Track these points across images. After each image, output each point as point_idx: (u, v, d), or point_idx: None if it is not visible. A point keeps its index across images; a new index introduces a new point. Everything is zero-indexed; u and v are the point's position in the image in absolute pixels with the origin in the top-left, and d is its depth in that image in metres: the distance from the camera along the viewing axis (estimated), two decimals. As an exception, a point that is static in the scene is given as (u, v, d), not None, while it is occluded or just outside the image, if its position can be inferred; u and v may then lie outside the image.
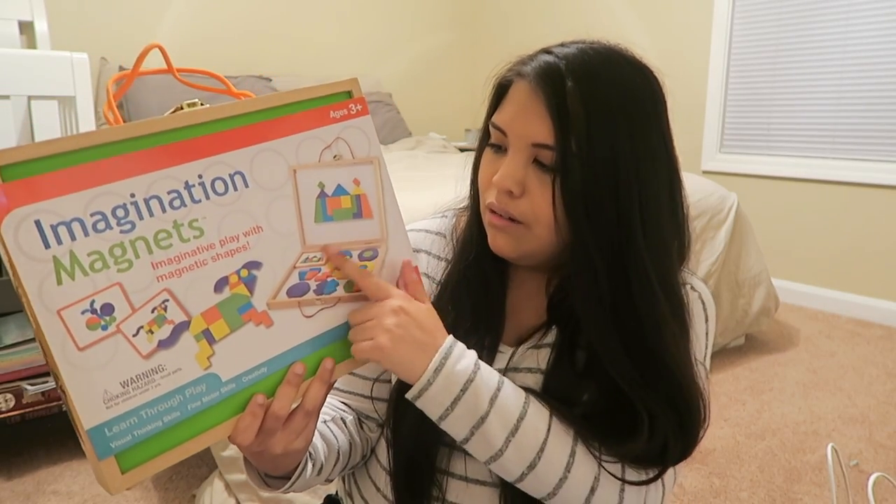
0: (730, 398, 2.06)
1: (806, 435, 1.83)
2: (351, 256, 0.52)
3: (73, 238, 0.40)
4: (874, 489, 1.46)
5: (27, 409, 1.56)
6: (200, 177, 0.44)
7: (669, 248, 0.62)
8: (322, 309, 0.51)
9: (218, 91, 0.48)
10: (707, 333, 0.70)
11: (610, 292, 0.60)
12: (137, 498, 1.52)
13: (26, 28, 2.57)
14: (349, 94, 0.53)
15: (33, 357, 1.58)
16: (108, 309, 0.41)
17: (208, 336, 0.45)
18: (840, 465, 1.56)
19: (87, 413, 0.40)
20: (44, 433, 1.81)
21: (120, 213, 0.41)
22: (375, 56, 3.95)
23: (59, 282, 0.39)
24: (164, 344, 0.43)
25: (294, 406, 0.51)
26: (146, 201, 0.42)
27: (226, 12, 3.37)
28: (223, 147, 0.45)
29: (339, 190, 0.51)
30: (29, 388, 1.55)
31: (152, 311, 0.43)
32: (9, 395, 1.54)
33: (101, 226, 0.41)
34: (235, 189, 0.46)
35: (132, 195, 0.42)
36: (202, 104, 0.47)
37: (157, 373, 0.43)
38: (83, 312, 0.40)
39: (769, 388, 2.12)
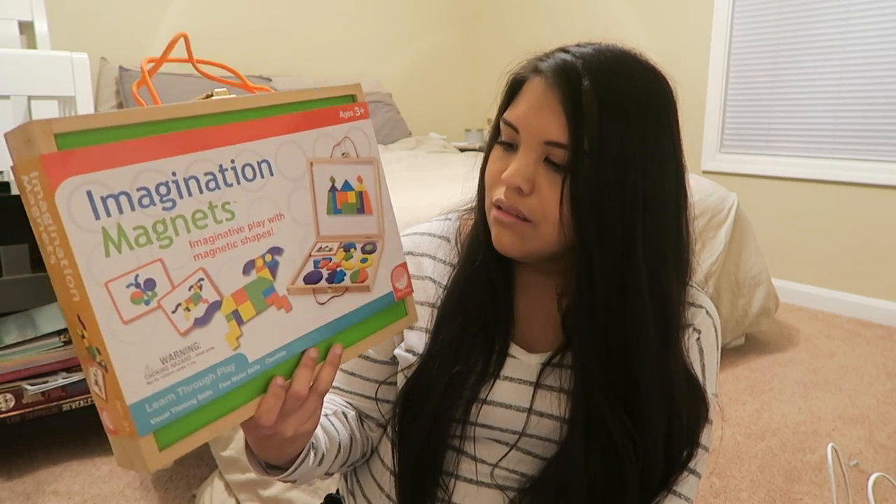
0: (730, 398, 2.06)
1: (806, 435, 1.83)
2: (356, 248, 0.55)
3: (120, 211, 0.41)
4: (874, 489, 1.46)
5: (27, 409, 1.56)
6: (233, 161, 0.46)
7: (667, 260, 0.61)
8: (333, 297, 0.53)
9: (233, 84, 0.49)
10: (717, 348, 0.72)
11: (604, 299, 0.60)
12: (138, 498, 1.52)
13: (26, 28, 2.57)
14: (353, 97, 0.56)
15: (33, 357, 1.58)
16: (150, 284, 0.42)
17: (237, 317, 0.47)
18: (840, 465, 1.56)
19: (130, 388, 0.41)
20: (44, 433, 1.81)
21: (163, 190, 0.43)
22: (375, 56, 3.95)
23: (108, 254, 0.40)
24: (199, 322, 0.44)
25: None
26: (185, 181, 0.44)
27: (226, 12, 3.37)
28: (252, 135, 0.48)
29: (347, 185, 0.54)
30: (29, 388, 1.55)
31: (189, 289, 0.44)
32: (9, 395, 1.54)
33: (145, 201, 0.42)
34: (262, 176, 0.48)
35: (174, 174, 0.43)
36: (229, 93, 0.49)
37: (192, 350, 0.44)
38: (128, 286, 0.41)
39: (769, 388, 2.12)
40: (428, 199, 1.80)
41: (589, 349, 0.62)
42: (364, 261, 0.55)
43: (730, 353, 2.38)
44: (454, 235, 0.74)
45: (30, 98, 1.45)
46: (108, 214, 0.40)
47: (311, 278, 0.51)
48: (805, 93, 2.89)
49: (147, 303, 0.41)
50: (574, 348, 0.64)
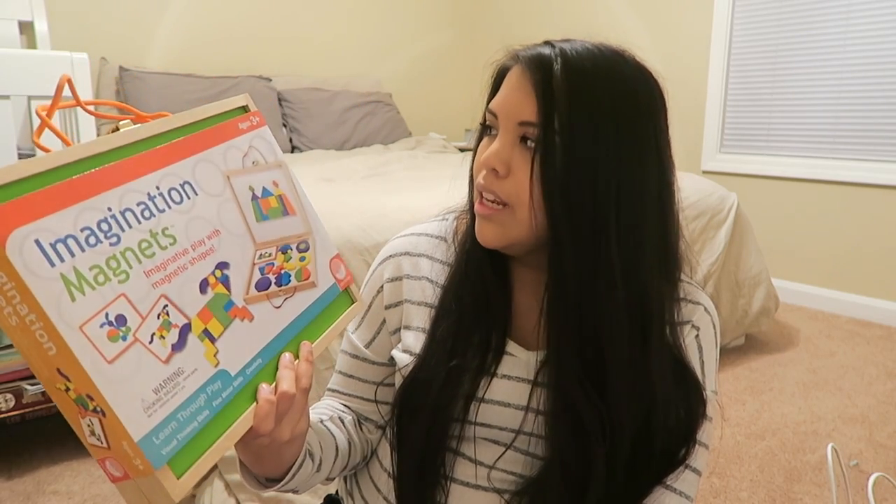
0: (730, 398, 2.06)
1: (806, 435, 1.84)
2: (292, 249, 0.57)
3: (72, 254, 0.40)
4: (874, 489, 1.46)
5: (27, 409, 1.56)
6: (158, 188, 0.47)
7: (647, 255, 0.61)
8: (286, 299, 0.55)
9: (125, 118, 0.50)
10: (716, 345, 0.71)
11: (576, 288, 0.60)
12: (137, 498, 1.52)
13: (26, 28, 2.57)
14: (245, 108, 0.58)
15: (33, 357, 1.58)
16: (121, 320, 0.42)
17: (209, 335, 0.48)
18: (840, 465, 1.56)
19: (134, 424, 0.41)
20: (44, 433, 1.81)
21: (104, 226, 0.43)
22: (375, 56, 3.95)
23: (73, 298, 0.40)
24: (176, 347, 0.45)
25: None
26: (122, 213, 0.44)
27: (226, 12, 3.37)
28: (167, 160, 0.49)
29: (266, 192, 0.56)
30: (29, 388, 1.55)
31: (158, 317, 0.44)
32: (9, 395, 1.54)
33: (92, 240, 0.42)
34: (188, 197, 0.49)
35: (109, 209, 0.43)
36: (132, 124, 0.50)
37: (179, 375, 0.45)
38: (101, 326, 0.41)
39: (769, 388, 2.12)
40: (428, 199, 1.81)
41: (562, 339, 0.62)
42: (302, 259, 0.58)
43: (730, 353, 2.38)
44: (451, 235, 0.74)
45: (30, 98, 1.45)
46: (62, 259, 0.40)
47: (262, 285, 0.53)
48: (805, 93, 2.89)
49: (124, 338, 0.42)
50: (550, 339, 0.63)
